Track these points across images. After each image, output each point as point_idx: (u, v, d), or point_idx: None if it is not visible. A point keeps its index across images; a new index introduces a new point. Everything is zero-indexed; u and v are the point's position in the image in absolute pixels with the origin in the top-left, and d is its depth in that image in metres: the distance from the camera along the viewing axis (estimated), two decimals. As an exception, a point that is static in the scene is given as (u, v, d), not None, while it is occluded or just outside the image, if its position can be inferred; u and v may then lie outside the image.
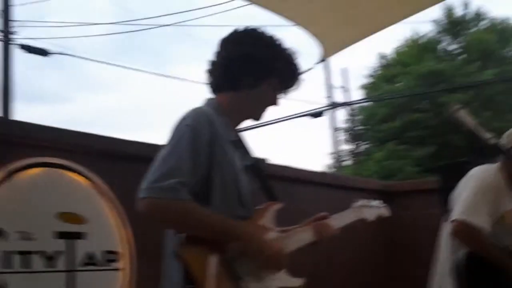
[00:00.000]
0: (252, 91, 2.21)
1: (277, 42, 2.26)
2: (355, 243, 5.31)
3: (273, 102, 2.29)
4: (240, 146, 2.27)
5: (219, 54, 2.24)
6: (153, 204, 1.88)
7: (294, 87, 2.32)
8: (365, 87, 24.98)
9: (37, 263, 3.13)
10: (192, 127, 2.01)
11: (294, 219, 2.43)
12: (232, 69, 2.18)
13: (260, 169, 2.33)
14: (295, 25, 6.05)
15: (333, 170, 22.27)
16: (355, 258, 5.53)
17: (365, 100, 24.10)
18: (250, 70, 2.18)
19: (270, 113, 2.33)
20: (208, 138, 2.02)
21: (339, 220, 2.55)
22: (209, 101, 2.24)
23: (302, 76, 2.31)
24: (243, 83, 2.20)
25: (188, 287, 1.92)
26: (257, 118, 2.31)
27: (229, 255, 2.00)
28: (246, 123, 2.33)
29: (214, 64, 2.25)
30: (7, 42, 9.90)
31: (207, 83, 2.28)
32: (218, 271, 1.94)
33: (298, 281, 2.23)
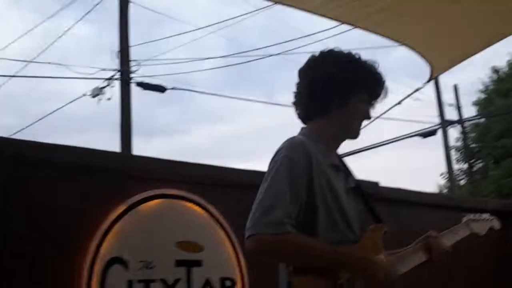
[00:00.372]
0: (343, 110, 2.19)
1: (356, 57, 2.24)
2: (473, 268, 5.11)
3: (366, 115, 2.27)
4: (342, 169, 2.26)
5: (302, 83, 2.24)
6: (260, 241, 1.88)
7: (381, 96, 2.30)
8: (477, 103, 24.03)
9: (158, 290, 3.28)
10: (287, 158, 2.02)
11: (408, 241, 2.40)
12: (318, 94, 2.18)
13: (364, 191, 2.31)
14: (402, 45, 5.98)
15: (447, 190, 21.47)
16: (473, 285, 5.31)
17: (479, 117, 23.17)
18: (336, 90, 2.17)
19: (364, 131, 2.30)
20: (305, 166, 2.02)
21: (449, 237, 2.48)
22: (303, 130, 2.26)
23: (387, 83, 2.28)
24: (332, 104, 2.18)
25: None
26: (354, 135, 2.29)
27: (341, 282, 1.98)
28: (346, 144, 2.31)
29: (299, 94, 2.26)
30: (125, 81, 10.44)
31: (296, 115, 2.29)
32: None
33: None
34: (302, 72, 2.26)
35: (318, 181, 2.04)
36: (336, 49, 2.26)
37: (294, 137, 2.16)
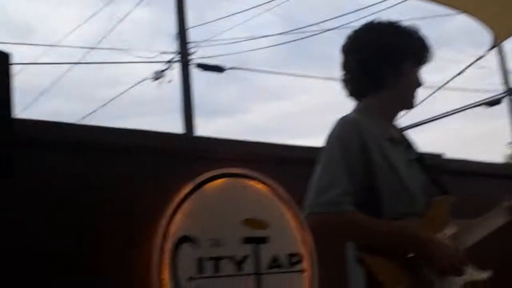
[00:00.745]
0: (397, 80, 2.16)
1: (399, 24, 2.21)
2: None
3: (419, 83, 2.24)
4: (401, 142, 2.24)
5: (350, 59, 2.21)
6: (317, 221, 1.88)
7: (429, 59, 2.27)
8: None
9: (227, 267, 3.38)
10: (340, 138, 2.00)
11: (475, 213, 2.37)
12: (370, 68, 2.14)
13: (428, 162, 2.28)
14: (462, 13, 5.84)
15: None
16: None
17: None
18: (388, 61, 2.13)
19: (420, 97, 2.28)
20: (359, 144, 1.99)
21: None
22: (357, 107, 2.24)
23: (432, 45, 2.24)
24: (386, 76, 2.16)
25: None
26: (411, 105, 2.25)
27: (411, 256, 1.98)
28: (409, 116, 2.29)
29: (348, 71, 2.23)
30: (185, 63, 10.59)
31: (347, 93, 2.27)
32: (403, 273, 1.93)
33: (485, 274, 2.15)
34: (348, 48, 2.23)
35: (374, 157, 2.02)
36: (376, 20, 2.24)
37: (346, 115, 2.15)
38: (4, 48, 2.64)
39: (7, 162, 2.50)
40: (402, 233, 1.98)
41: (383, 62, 2.16)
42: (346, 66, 2.22)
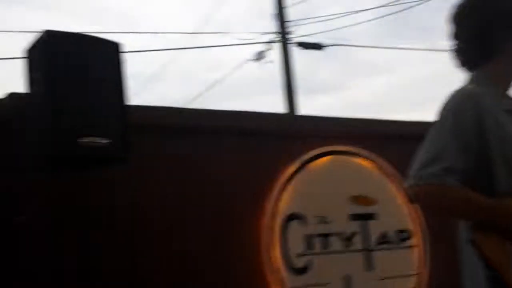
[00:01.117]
0: None
1: None
2: None
3: None
4: None
5: (462, 28, 2.13)
6: (420, 192, 1.84)
7: None
8: None
9: (335, 244, 3.41)
10: (453, 111, 1.93)
11: None
12: (485, 35, 2.05)
13: None
14: None
15: None
16: None
17: None
18: (502, 25, 2.05)
19: None
20: (474, 117, 1.92)
21: None
22: (472, 77, 2.16)
23: None
24: (502, 42, 2.08)
25: (491, 274, 1.86)
26: None
27: None
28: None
29: (460, 41, 2.16)
30: (285, 42, 10.63)
31: (460, 64, 2.19)
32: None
33: None
34: (458, 17, 2.16)
35: (492, 131, 1.94)
36: None
37: (462, 87, 2.08)
38: (114, 37, 2.75)
39: (122, 148, 2.61)
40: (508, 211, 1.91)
41: (497, 27, 2.07)
42: (457, 35, 2.14)
